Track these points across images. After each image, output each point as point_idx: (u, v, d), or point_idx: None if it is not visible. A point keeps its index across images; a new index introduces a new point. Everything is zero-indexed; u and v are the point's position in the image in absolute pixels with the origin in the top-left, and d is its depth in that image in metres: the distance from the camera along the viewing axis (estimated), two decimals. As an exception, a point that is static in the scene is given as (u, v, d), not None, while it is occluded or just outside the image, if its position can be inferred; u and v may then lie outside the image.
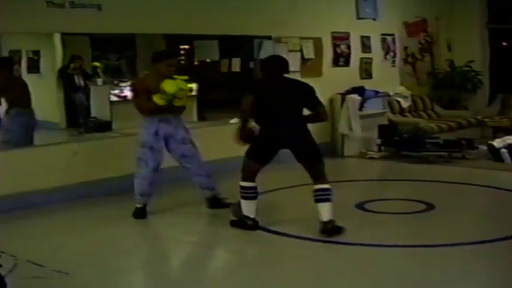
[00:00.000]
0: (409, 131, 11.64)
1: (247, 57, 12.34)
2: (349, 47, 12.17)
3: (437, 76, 14.32)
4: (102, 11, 8.80)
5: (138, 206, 7.44)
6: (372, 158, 11.27)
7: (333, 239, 6.34)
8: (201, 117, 13.84)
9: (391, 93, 12.63)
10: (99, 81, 13.40)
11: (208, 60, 14.25)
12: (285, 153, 6.77)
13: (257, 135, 6.65)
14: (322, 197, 6.62)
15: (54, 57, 12.65)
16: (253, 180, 6.74)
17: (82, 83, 12.31)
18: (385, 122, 11.96)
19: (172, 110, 7.34)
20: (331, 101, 11.71)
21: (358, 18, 12.29)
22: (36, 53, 12.90)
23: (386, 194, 8.88)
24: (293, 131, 6.63)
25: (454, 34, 14.44)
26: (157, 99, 7.14)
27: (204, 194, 7.73)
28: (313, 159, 6.80)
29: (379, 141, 11.52)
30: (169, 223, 7.42)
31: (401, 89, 12.94)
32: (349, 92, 11.65)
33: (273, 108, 6.59)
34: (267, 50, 10.87)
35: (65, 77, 12.38)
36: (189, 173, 7.63)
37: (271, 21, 10.74)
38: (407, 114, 12.98)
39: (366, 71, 12.57)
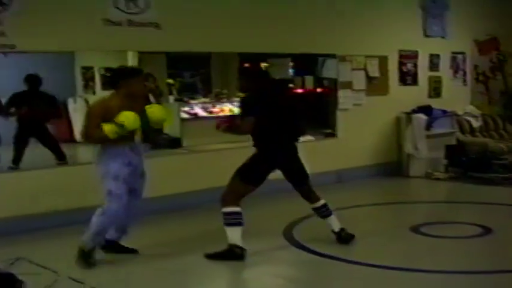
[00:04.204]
0: (476, 151, 11.41)
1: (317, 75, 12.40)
2: (415, 66, 12.05)
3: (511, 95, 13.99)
4: (162, 30, 8.93)
5: (87, 248, 6.22)
6: (437, 179, 11.11)
7: (389, 264, 6.21)
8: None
9: (460, 112, 12.41)
10: (171, 98, 13.66)
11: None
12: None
13: (256, 157, 6.46)
14: (327, 211, 6.82)
15: (127, 74, 12.93)
16: (239, 205, 6.38)
17: (154, 100, 12.54)
18: (454, 142, 11.75)
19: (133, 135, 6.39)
20: (397, 120, 11.63)
21: (426, 36, 12.14)
22: (109, 70, 13.24)
23: (445, 216, 8.74)
24: (293, 149, 6.64)
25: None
26: (109, 130, 6.03)
27: (112, 235, 6.60)
28: (305, 177, 6.78)
29: (445, 161, 11.35)
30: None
31: (471, 108, 12.70)
32: (415, 111, 11.54)
33: (276, 127, 6.45)
34: (330, 68, 10.94)
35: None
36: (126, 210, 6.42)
37: (337, 39, 10.77)
38: (478, 134, 12.69)
39: (435, 89, 12.41)
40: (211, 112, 13.44)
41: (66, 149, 12.97)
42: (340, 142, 10.87)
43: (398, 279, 5.91)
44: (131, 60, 13.27)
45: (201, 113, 13.30)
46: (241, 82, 6.84)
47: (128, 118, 6.02)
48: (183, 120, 12.99)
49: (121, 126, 5.99)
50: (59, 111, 10.34)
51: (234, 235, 6.27)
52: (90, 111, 6.30)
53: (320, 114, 12.97)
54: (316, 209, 6.86)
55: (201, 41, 9.37)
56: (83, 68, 13.93)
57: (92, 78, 13.86)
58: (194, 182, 9.07)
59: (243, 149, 10.42)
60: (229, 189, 6.42)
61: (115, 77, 6.36)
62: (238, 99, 14.58)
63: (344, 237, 6.82)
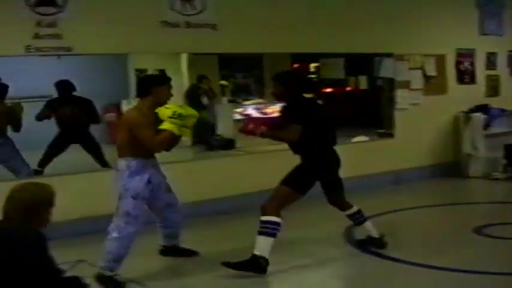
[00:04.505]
0: (536, 151, 11.17)
1: (374, 75, 12.30)
2: (472, 64, 11.86)
3: None
4: (218, 31, 8.91)
5: (107, 274, 5.81)
6: (496, 179, 10.90)
7: (454, 266, 6.08)
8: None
9: (518, 111, 12.19)
10: (225, 100, 13.67)
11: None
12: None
13: (304, 167, 6.27)
14: (361, 218, 6.71)
15: (180, 76, 13.00)
16: (280, 216, 6.09)
17: (207, 102, 12.56)
18: (513, 142, 11.53)
19: (153, 152, 6.05)
20: (456, 119, 11.46)
21: (482, 34, 11.94)
22: (162, 72, 13.29)
23: (507, 218, 8.51)
24: (338, 159, 6.50)
25: None
26: (171, 127, 5.70)
27: (167, 241, 6.65)
28: (341, 188, 6.68)
29: (504, 161, 11.13)
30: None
31: (530, 107, 12.44)
32: (473, 110, 11.35)
33: (321, 137, 6.31)
34: (387, 68, 10.82)
35: (192, 95, 12.67)
36: (167, 223, 6.48)
37: (393, 39, 10.65)
38: (539, 132, 12.41)
39: (492, 88, 12.20)
40: (264, 113, 13.38)
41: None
42: (398, 142, 10.73)
43: (463, 281, 5.79)
44: (184, 62, 13.40)
45: (254, 114, 13.25)
46: (275, 88, 6.48)
47: (177, 107, 5.75)
48: (236, 121, 12.98)
49: (179, 115, 5.67)
50: (96, 115, 10.02)
51: (265, 246, 5.93)
52: (137, 123, 5.74)
53: (373, 114, 12.88)
54: (350, 216, 6.72)
55: (255, 42, 9.37)
56: (137, 70, 13.98)
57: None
58: (250, 184, 9.00)
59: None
60: (274, 197, 6.16)
61: (147, 85, 6.00)
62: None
63: (384, 243, 6.72)
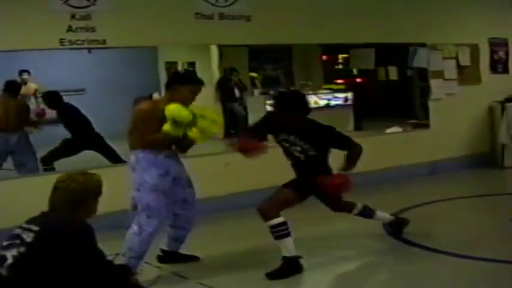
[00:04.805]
0: None
1: (403, 65, 12.20)
2: (506, 54, 11.69)
3: None
4: (251, 22, 8.86)
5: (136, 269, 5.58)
6: (533, 169, 10.75)
7: (494, 257, 5.98)
8: (358, 127, 13.82)
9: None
10: (256, 91, 13.65)
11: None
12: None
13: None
14: (369, 211, 6.65)
15: (210, 68, 12.99)
16: (281, 216, 5.89)
17: (239, 94, 12.54)
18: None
19: (177, 145, 5.86)
20: (490, 109, 11.32)
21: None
22: (192, 64, 13.31)
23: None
24: None
25: None
26: (169, 128, 5.48)
27: (170, 245, 6.24)
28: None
29: (540, 151, 10.98)
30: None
31: None
32: (508, 100, 11.19)
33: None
34: (421, 58, 10.70)
35: (223, 88, 12.67)
36: (177, 221, 6.10)
37: (426, 28, 10.51)
38: None
39: (527, 78, 12.03)
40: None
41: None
42: (433, 133, 10.60)
43: (501, 272, 5.71)
44: (214, 55, 13.38)
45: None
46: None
47: (174, 110, 5.42)
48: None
49: (174, 122, 5.43)
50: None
51: (288, 247, 5.78)
52: (140, 116, 5.67)
53: (406, 105, 12.79)
54: (359, 214, 6.60)
55: (287, 32, 9.27)
56: (167, 63, 14.01)
57: (176, 73, 13.91)
58: (282, 177, 8.86)
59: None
60: (273, 199, 5.98)
61: (170, 80, 6.02)
62: (324, 91, 14.57)
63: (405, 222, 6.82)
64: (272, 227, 5.79)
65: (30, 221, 3.57)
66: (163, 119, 5.47)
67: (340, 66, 16.96)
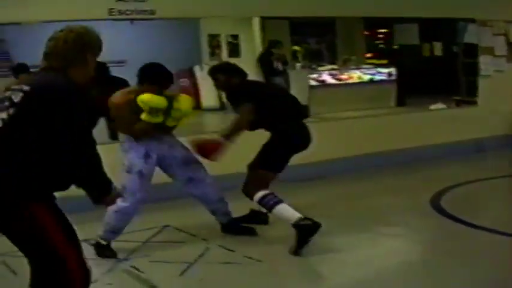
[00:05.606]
0: None
1: (449, 40, 12.00)
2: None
3: None
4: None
5: (103, 242, 5.74)
6: None
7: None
8: (400, 103, 13.67)
9: None
10: (298, 66, 13.53)
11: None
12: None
13: (273, 142, 5.92)
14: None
15: (253, 42, 12.90)
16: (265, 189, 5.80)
17: (281, 67, 12.42)
18: None
19: (161, 128, 5.80)
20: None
21: None
22: (235, 37, 13.24)
23: None
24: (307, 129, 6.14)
25: None
26: (148, 117, 5.58)
27: (219, 219, 6.30)
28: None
29: None
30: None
31: None
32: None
33: (283, 111, 6.03)
34: (471, 34, 10.50)
35: (265, 61, 12.56)
36: (200, 199, 6.15)
37: (474, 3, 10.28)
38: None
39: None
40: (339, 79, 13.22)
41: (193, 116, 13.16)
42: (481, 110, 10.39)
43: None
44: (256, 27, 13.28)
45: (329, 80, 13.10)
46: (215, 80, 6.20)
47: (147, 100, 5.54)
48: (311, 87, 12.84)
49: (150, 110, 5.54)
50: None
51: (286, 213, 5.64)
52: (115, 108, 5.73)
53: (450, 81, 12.60)
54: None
55: (330, 5, 9.13)
56: (210, 35, 13.95)
57: (218, 46, 13.86)
58: (327, 152, 8.78)
59: (376, 117, 10.28)
60: (250, 182, 5.92)
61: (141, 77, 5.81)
62: (367, 66, 14.41)
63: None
64: (259, 201, 5.79)
65: (21, 81, 3.34)
66: (138, 109, 5.55)
67: (382, 42, 16.78)
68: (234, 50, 13.32)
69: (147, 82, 5.70)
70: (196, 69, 13.97)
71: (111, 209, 5.51)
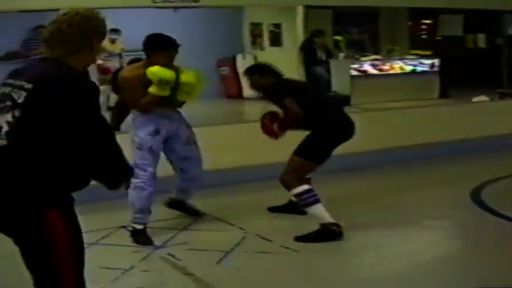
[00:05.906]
0: None
1: (492, 32, 11.86)
2: None
3: None
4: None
5: (138, 227, 5.80)
6: None
7: None
8: (443, 95, 13.54)
9: None
10: (341, 55, 13.46)
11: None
12: None
13: (318, 132, 5.81)
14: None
15: (295, 31, 12.84)
16: (303, 183, 5.75)
17: (323, 56, 12.37)
18: None
19: (171, 103, 5.91)
20: None
21: None
22: (278, 26, 13.20)
23: None
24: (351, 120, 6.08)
25: None
26: (156, 89, 5.64)
27: (177, 195, 6.37)
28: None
29: None
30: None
31: None
32: None
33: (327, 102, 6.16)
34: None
35: (307, 50, 12.49)
36: (185, 175, 6.18)
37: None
38: None
39: None
40: (381, 70, 13.13)
41: (235, 105, 13.18)
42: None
43: None
44: (299, 17, 13.22)
45: (371, 70, 13.01)
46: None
47: (156, 71, 5.60)
48: (352, 77, 12.79)
49: (159, 82, 5.61)
50: None
51: (320, 213, 5.64)
52: (125, 83, 5.88)
53: (493, 74, 12.44)
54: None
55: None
56: (252, 24, 13.93)
57: (260, 35, 13.84)
58: (368, 142, 8.73)
59: (418, 108, 10.17)
60: (296, 169, 5.78)
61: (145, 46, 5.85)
62: (410, 57, 14.29)
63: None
64: (297, 196, 5.74)
65: (19, 74, 3.07)
66: (147, 83, 5.62)
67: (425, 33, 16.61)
68: (276, 39, 13.28)
69: (150, 49, 5.77)
70: (239, 57, 13.97)
71: (129, 190, 5.49)
